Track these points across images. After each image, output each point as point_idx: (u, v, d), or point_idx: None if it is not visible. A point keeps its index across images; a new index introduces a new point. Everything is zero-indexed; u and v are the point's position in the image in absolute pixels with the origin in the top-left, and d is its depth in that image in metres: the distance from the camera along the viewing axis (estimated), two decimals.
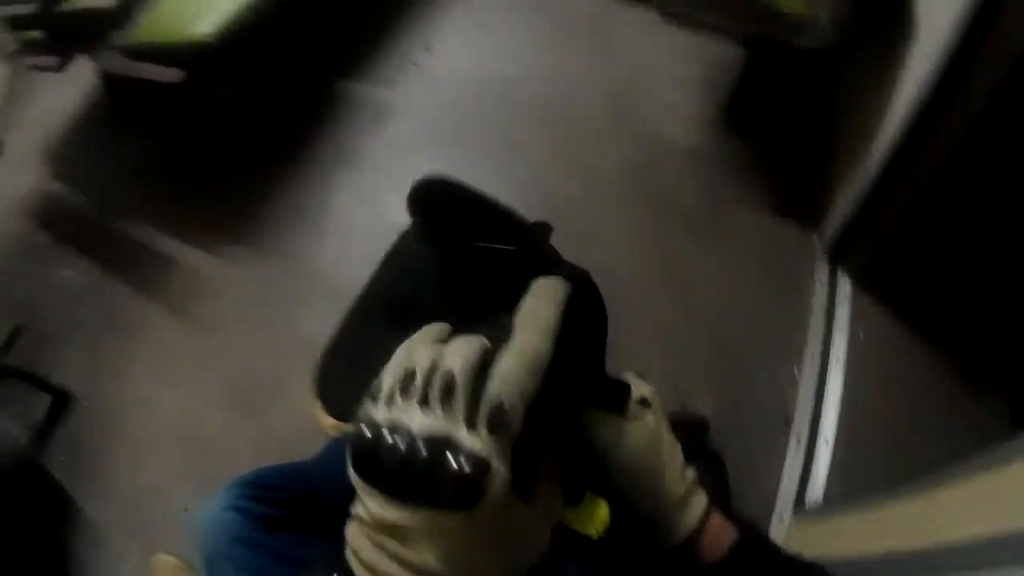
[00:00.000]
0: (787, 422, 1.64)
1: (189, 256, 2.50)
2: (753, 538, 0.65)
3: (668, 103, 2.08)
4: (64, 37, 2.63)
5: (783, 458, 1.61)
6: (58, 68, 2.79)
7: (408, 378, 0.42)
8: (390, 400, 0.43)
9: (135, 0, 2.40)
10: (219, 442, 2.15)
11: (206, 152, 2.69)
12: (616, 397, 0.62)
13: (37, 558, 2.11)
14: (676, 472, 0.63)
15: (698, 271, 1.84)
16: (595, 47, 2.25)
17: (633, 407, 0.62)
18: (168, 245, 2.55)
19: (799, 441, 1.62)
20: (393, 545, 0.42)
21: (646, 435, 0.61)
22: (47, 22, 2.55)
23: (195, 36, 2.25)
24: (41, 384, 2.34)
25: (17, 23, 2.59)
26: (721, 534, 0.64)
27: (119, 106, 3.02)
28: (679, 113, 2.04)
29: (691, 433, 1.44)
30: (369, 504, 0.42)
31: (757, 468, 1.56)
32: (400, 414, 0.41)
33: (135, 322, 2.43)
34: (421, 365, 0.42)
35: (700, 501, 0.64)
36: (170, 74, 2.36)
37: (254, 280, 2.37)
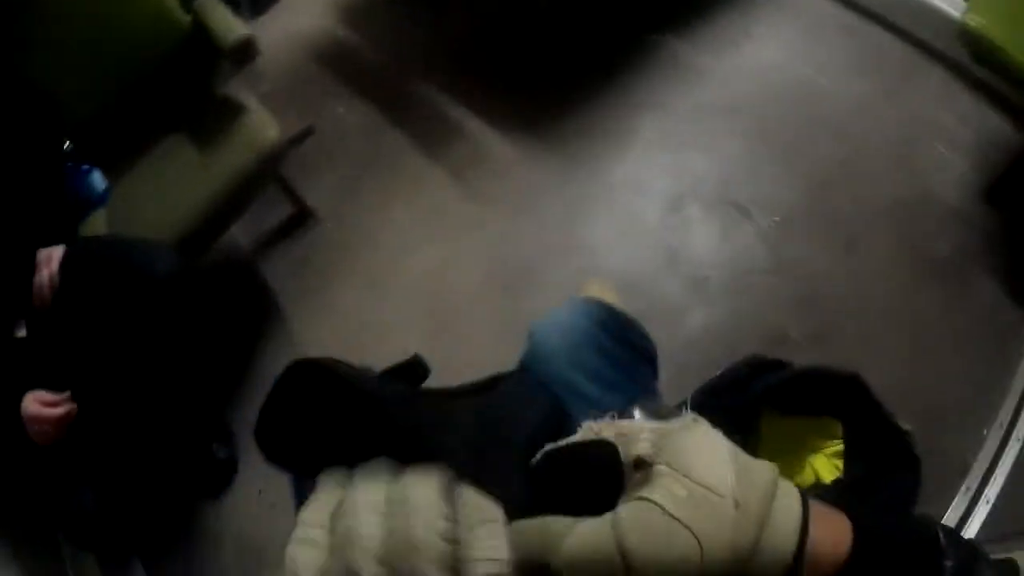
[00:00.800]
0: (963, 472, 1.60)
1: (480, 130, 2.37)
2: (873, 528, 0.46)
3: (941, 158, 2.02)
4: None
5: (948, 506, 1.57)
6: None
7: None
8: None
9: None
10: (462, 307, 2.00)
11: (524, 43, 2.58)
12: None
13: (231, 358, 2.03)
14: (726, 521, 0.42)
15: (924, 311, 1.81)
16: (893, 85, 2.18)
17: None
18: (459, 113, 2.43)
19: (967, 492, 1.59)
20: None
21: (647, 525, 0.42)
22: None
23: None
24: (291, 194, 2.24)
25: None
26: (833, 541, 0.45)
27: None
28: (950, 171, 1.99)
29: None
30: None
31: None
32: None
33: (405, 169, 2.33)
34: None
35: (783, 527, 0.44)
36: None
37: (544, 173, 2.21)
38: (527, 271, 2.03)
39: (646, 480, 0.44)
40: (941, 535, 0.45)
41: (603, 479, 0.44)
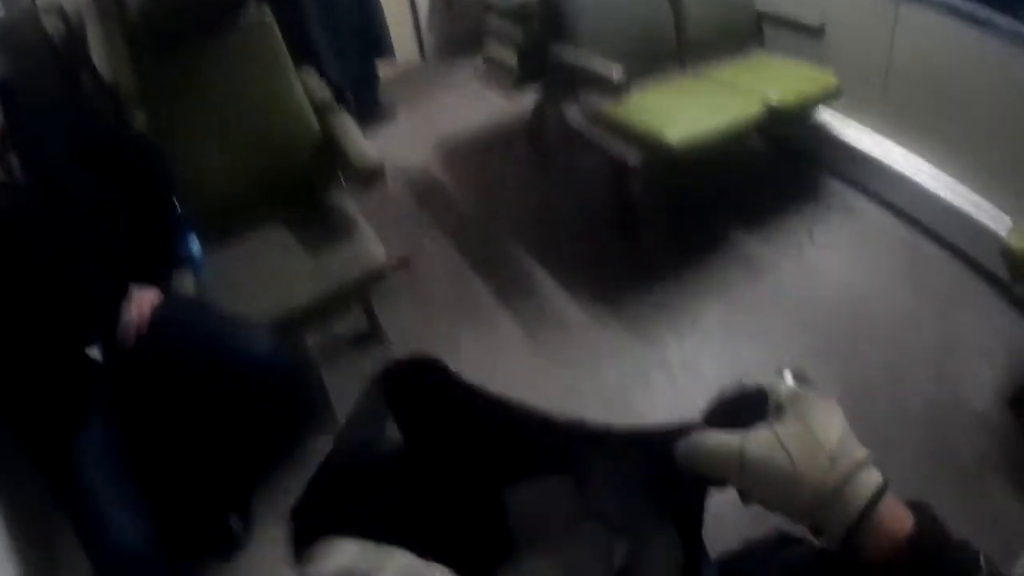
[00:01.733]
0: None
1: (554, 289, 2.53)
2: (931, 525, 0.55)
3: (974, 366, 2.14)
4: (536, 68, 2.84)
5: None
6: (512, 88, 3.06)
7: None
8: None
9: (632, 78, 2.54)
10: None
11: (610, 218, 2.78)
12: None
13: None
14: (820, 464, 0.56)
15: (939, 508, 1.76)
16: (937, 296, 2.36)
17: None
18: (536, 269, 2.61)
19: None
20: None
21: (763, 442, 0.57)
22: (535, 46, 2.78)
23: (664, 136, 2.32)
24: (369, 310, 2.35)
25: (518, 16, 2.85)
26: (896, 523, 0.54)
27: (533, 143, 3.21)
28: (980, 379, 2.10)
29: None
30: None
31: None
32: None
33: (479, 312, 2.48)
34: None
35: (860, 489, 0.55)
36: (630, 155, 2.48)
37: (608, 340, 2.34)
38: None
39: (777, 418, 0.58)
40: (982, 556, 0.54)
41: (755, 412, 0.60)
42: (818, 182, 2.93)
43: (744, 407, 0.63)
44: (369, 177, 2.01)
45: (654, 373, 2.22)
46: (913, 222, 2.63)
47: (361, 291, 2.09)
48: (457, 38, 4.38)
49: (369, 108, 3.83)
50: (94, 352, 1.56)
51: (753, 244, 2.60)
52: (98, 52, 2.49)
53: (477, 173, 3.23)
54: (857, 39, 2.76)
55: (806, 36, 2.88)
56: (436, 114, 3.75)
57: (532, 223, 2.87)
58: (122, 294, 1.62)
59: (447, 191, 3.15)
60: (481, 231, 2.87)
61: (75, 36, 2.50)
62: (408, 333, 2.39)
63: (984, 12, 2.29)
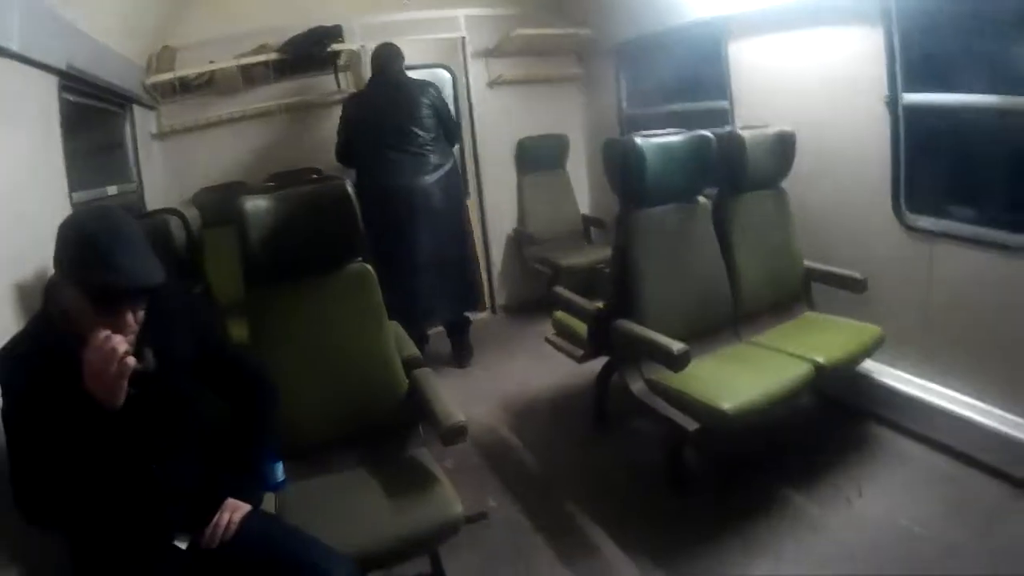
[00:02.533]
0: None
1: (611, 550, 2.60)
2: None
3: None
4: (604, 339, 3.08)
5: None
6: (580, 360, 3.32)
7: None
8: None
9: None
10: None
11: (663, 481, 2.89)
12: None
13: None
14: None
15: None
16: (982, 523, 2.43)
17: None
18: (595, 532, 2.70)
19: None
20: None
21: None
22: (604, 320, 3.04)
23: (719, 404, 2.50)
24: (435, 559, 2.44)
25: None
26: None
27: (597, 407, 3.41)
28: None
29: None
30: None
31: None
32: None
33: (539, 572, 2.54)
34: None
35: None
36: (687, 422, 2.64)
37: None
38: None
39: None
40: None
41: None
42: (865, 431, 3.07)
43: None
44: (453, 436, 2.17)
45: None
46: (956, 454, 2.75)
47: (435, 541, 2.19)
48: (527, 296, 4.75)
49: (460, 353, 4.24)
50: (180, 541, 1.72)
51: (803, 503, 2.69)
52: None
53: (541, 432, 3.42)
54: (897, 285, 3.05)
55: (850, 291, 3.14)
56: (504, 370, 4.07)
57: (593, 484, 3.00)
58: (215, 496, 1.79)
59: (512, 449, 3.33)
60: (543, 491, 2.99)
61: (195, 245, 2.80)
62: None
63: (1012, 238, 2.56)
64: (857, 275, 3.13)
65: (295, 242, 2.39)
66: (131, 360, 1.43)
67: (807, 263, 3.34)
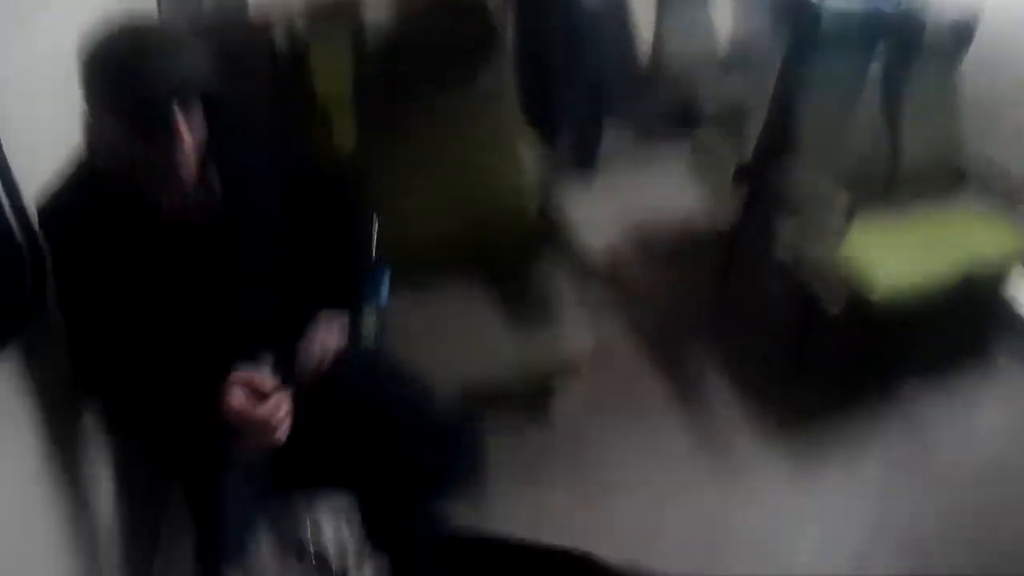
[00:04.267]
0: None
1: (720, 404, 2.50)
2: None
3: None
4: (755, 175, 2.76)
5: None
6: (723, 198, 3.00)
7: None
8: None
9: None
10: None
11: (782, 340, 2.69)
12: None
13: None
14: None
15: None
16: None
17: None
18: (707, 380, 2.59)
19: None
20: None
21: None
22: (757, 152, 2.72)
23: (866, 284, 2.22)
24: None
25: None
26: None
27: (731, 252, 3.09)
28: None
29: None
30: None
31: None
32: None
33: (647, 410, 2.47)
34: None
35: None
36: (829, 296, 2.35)
37: (765, 470, 2.29)
38: (728, 558, 2.02)
39: None
40: None
41: None
42: (1003, 347, 2.79)
43: None
44: (585, 266, 1.96)
45: (806, 518, 2.13)
46: None
47: (555, 379, 2.04)
48: (664, 110, 4.33)
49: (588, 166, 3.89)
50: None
51: (921, 407, 2.49)
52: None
53: (667, 266, 3.18)
54: None
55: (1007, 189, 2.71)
56: (634, 193, 3.70)
57: (715, 332, 2.82)
58: (300, 330, 1.55)
59: (634, 279, 3.10)
60: (662, 328, 2.83)
61: (299, 55, 2.52)
62: (577, 422, 2.34)
63: None
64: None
65: (419, 52, 2.17)
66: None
67: (970, 151, 2.84)
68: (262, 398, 1.29)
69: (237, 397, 1.27)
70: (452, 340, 1.96)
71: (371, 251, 1.82)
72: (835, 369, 2.63)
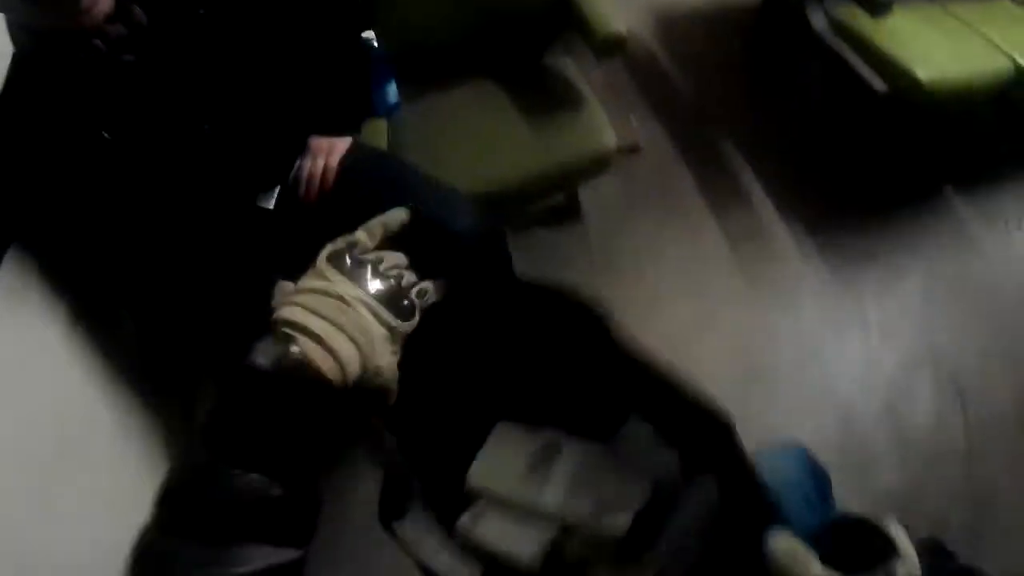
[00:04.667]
0: None
1: (763, 205, 2.33)
2: None
3: None
4: None
5: None
6: None
7: None
8: None
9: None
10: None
11: (832, 146, 2.51)
12: None
13: None
14: None
15: None
16: None
17: None
18: (749, 180, 2.39)
19: None
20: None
21: None
22: None
23: (913, 70, 2.02)
24: (573, 193, 2.19)
25: None
26: None
27: (762, 34, 2.86)
28: None
29: None
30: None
31: None
32: None
33: (688, 214, 2.29)
34: None
35: None
36: (875, 82, 2.16)
37: (811, 275, 2.17)
38: (768, 367, 1.97)
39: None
40: None
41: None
42: None
43: (859, 542, 0.57)
44: (609, 49, 1.78)
45: (849, 327, 2.07)
46: None
47: (582, 176, 1.92)
48: None
49: None
50: (265, 202, 1.42)
51: (965, 213, 2.37)
52: None
53: (694, 55, 2.88)
54: None
55: None
56: None
57: (750, 124, 2.59)
58: (302, 142, 1.44)
59: (660, 68, 2.83)
60: (693, 121, 2.60)
61: None
62: (609, 220, 2.23)
63: None
64: None
65: None
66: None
67: None
68: None
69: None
70: (472, 140, 1.83)
71: (369, 48, 1.67)
72: (880, 161, 2.47)
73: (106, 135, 1.23)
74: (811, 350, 2.01)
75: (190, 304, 1.39)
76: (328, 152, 1.43)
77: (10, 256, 1.19)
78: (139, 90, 1.23)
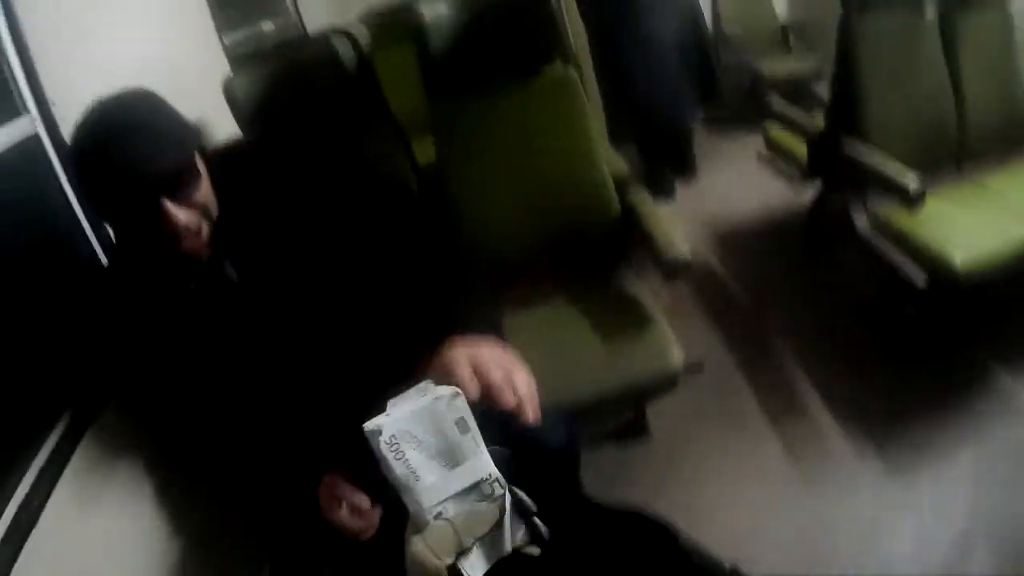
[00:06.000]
0: None
1: (819, 409, 2.37)
2: None
3: None
4: (825, 160, 2.68)
5: None
6: (797, 183, 2.96)
7: None
8: None
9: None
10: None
11: (881, 338, 2.58)
12: None
13: None
14: None
15: None
16: None
17: None
18: (806, 386, 2.45)
19: None
20: None
21: None
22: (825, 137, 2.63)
23: (946, 256, 2.08)
24: (640, 407, 2.25)
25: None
26: None
27: (810, 239, 3.02)
28: None
29: None
30: None
31: None
32: None
33: (746, 422, 2.34)
34: None
35: None
36: (915, 276, 2.25)
37: (861, 468, 2.18)
38: (826, 556, 1.94)
39: None
40: None
41: None
42: None
43: None
44: (675, 271, 1.90)
45: (905, 514, 2.03)
46: None
47: (650, 394, 1.99)
48: (727, 104, 4.25)
49: (680, 167, 3.82)
50: None
51: (1014, 388, 2.35)
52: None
53: (747, 265, 3.09)
54: None
55: None
56: (707, 189, 3.68)
57: (802, 328, 2.69)
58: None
59: (716, 280, 3.03)
60: (750, 329, 2.73)
61: (367, 66, 2.50)
62: (674, 435, 2.28)
63: None
64: None
65: (482, 47, 2.12)
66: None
67: None
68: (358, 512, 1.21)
69: (335, 508, 1.19)
70: (547, 356, 1.88)
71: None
72: (927, 351, 2.51)
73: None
74: (867, 537, 1.98)
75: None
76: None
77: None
78: (222, 336, 1.29)
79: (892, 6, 2.51)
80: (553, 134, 2.18)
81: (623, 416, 2.28)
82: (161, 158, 1.06)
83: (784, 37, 4.85)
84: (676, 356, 1.84)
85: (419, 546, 0.78)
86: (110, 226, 1.26)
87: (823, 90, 2.75)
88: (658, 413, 2.29)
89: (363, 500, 1.18)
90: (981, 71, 2.62)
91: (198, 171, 1.13)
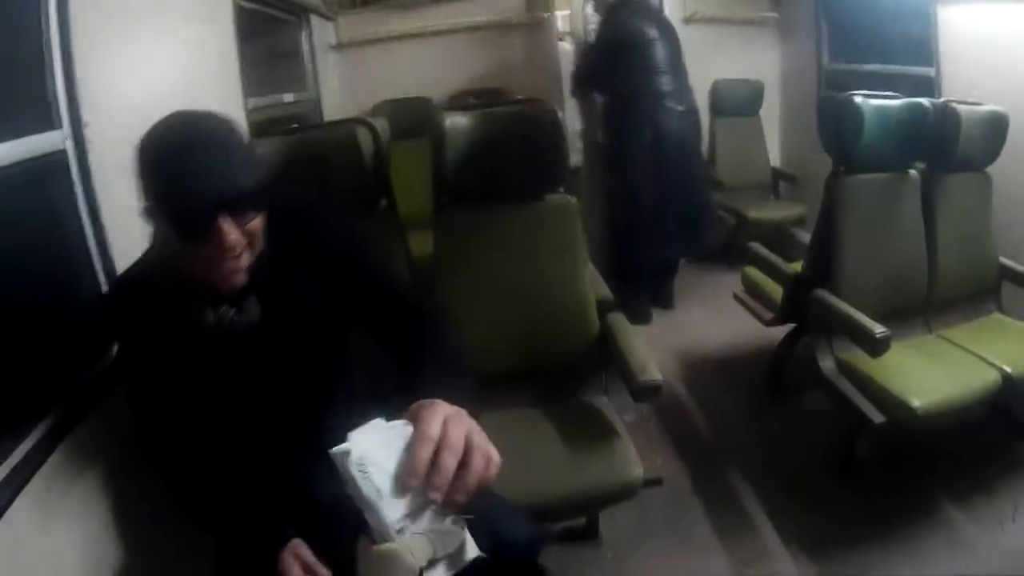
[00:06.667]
0: None
1: (767, 531, 2.44)
2: None
3: None
4: (798, 307, 2.83)
5: None
6: (769, 323, 3.08)
7: None
8: None
9: None
10: None
11: (826, 463, 2.70)
12: None
13: None
14: None
15: None
16: None
17: None
18: (755, 508, 2.54)
19: None
20: None
21: None
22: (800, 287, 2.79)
23: (908, 401, 2.23)
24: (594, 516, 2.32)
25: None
26: None
27: (775, 376, 3.15)
28: None
29: None
30: None
31: None
32: None
33: (696, 539, 2.40)
34: None
35: None
36: (872, 412, 2.37)
37: None
38: None
39: None
40: None
41: None
42: None
43: None
44: (646, 394, 1.98)
45: None
46: None
47: (608, 502, 2.05)
48: (710, 244, 4.45)
49: (661, 301, 4.08)
50: None
51: (956, 515, 2.47)
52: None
53: (713, 392, 3.23)
54: None
55: None
56: (682, 321, 3.87)
57: (759, 456, 2.82)
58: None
59: (682, 406, 3.15)
60: (707, 454, 2.86)
61: (383, 158, 2.59)
62: (624, 543, 2.35)
63: None
64: None
65: (494, 165, 2.24)
66: None
67: (1002, 260, 2.96)
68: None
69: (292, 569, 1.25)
70: (517, 459, 1.93)
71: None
72: (877, 483, 2.62)
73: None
74: None
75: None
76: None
77: None
78: (225, 373, 1.35)
79: (877, 170, 2.72)
80: (548, 257, 2.30)
81: (575, 520, 2.34)
82: (233, 175, 1.13)
83: (774, 185, 5.13)
84: (637, 470, 1.92)
85: (394, 545, 0.80)
86: (159, 231, 1.27)
87: (806, 237, 2.93)
88: (611, 519, 2.35)
89: (323, 571, 1.25)
90: (955, 231, 2.85)
91: (258, 201, 1.20)
